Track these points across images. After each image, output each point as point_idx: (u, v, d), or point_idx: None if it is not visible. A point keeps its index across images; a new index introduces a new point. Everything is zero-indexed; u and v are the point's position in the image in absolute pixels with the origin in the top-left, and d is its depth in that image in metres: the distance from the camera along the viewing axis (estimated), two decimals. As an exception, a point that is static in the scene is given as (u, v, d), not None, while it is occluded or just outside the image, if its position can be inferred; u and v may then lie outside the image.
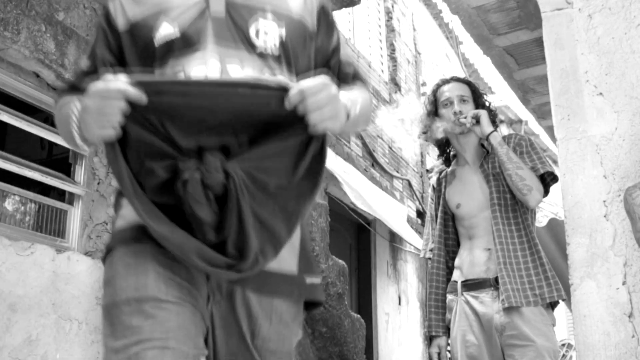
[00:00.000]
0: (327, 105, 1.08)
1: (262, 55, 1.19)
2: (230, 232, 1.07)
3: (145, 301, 1.03)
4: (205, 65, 1.16)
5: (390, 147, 7.42)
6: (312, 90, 1.07)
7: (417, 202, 7.93)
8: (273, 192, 1.11)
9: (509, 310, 2.22)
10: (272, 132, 1.11)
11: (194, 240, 1.07)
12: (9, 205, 3.37)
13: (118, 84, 1.04)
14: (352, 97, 1.22)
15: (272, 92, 1.09)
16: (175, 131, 1.07)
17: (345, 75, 1.34)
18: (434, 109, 2.51)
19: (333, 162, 5.40)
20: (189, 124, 1.08)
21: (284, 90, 1.09)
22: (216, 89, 1.09)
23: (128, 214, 1.15)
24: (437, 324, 2.47)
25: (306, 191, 1.13)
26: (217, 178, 1.06)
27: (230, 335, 1.15)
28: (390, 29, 7.94)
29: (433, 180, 2.66)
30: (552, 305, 2.32)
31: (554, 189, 2.43)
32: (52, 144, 4.07)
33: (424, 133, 2.55)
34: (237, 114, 1.09)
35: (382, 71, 7.64)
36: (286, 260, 1.18)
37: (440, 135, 2.48)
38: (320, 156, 1.13)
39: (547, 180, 2.37)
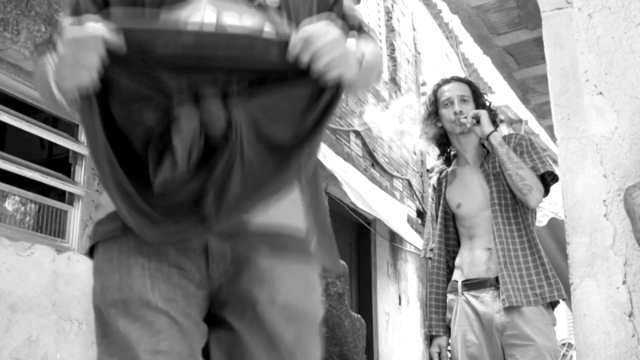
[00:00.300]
0: (333, 50, 0.99)
1: (261, 7, 1.11)
2: (214, 186, 0.96)
3: (131, 302, 0.97)
4: (200, 17, 1.06)
5: (390, 147, 7.42)
6: (314, 36, 0.98)
7: (417, 202, 7.93)
8: (274, 146, 1.00)
9: (509, 309, 2.22)
10: (277, 85, 1.00)
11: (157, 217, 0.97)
12: (9, 205, 3.37)
13: (96, 29, 0.92)
14: (360, 46, 1.12)
15: (272, 43, 1.00)
16: (166, 75, 0.95)
17: (350, 28, 1.21)
18: (435, 109, 2.51)
19: (333, 162, 5.40)
20: (182, 69, 0.96)
21: (284, 40, 0.99)
22: (212, 39, 0.97)
23: (107, 202, 1.05)
24: (437, 323, 2.47)
25: (307, 145, 1.02)
26: (218, 117, 0.95)
27: (243, 306, 1.04)
28: (390, 29, 7.94)
29: (433, 180, 2.66)
30: (553, 305, 2.32)
31: (554, 188, 2.43)
32: (52, 145, 4.07)
33: (425, 133, 2.55)
34: (236, 65, 0.98)
35: (382, 71, 7.63)
36: (290, 215, 1.08)
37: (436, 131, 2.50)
38: (329, 110, 1.02)
39: (548, 180, 2.37)
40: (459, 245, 2.50)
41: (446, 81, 2.55)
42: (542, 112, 5.13)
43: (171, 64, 0.95)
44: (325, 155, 5.24)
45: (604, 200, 2.25)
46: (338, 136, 6.08)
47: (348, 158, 6.12)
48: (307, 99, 1.01)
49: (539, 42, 3.78)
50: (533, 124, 9.22)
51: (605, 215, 2.24)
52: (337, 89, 1.02)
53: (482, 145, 2.49)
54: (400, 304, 7.17)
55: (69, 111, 1.03)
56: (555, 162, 6.59)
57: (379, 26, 7.87)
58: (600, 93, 2.33)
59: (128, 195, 0.96)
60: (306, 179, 1.14)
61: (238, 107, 0.96)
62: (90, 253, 1.09)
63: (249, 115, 0.97)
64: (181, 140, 0.93)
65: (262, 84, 1.00)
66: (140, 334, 0.94)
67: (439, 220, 2.54)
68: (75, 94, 0.96)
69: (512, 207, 2.35)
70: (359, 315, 4.94)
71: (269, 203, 1.02)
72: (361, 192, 5.63)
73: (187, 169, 0.95)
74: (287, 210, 1.08)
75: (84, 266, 3.12)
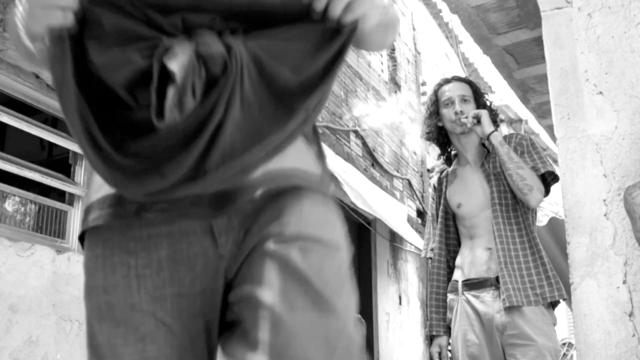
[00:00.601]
0: None
1: None
2: (209, 129, 0.82)
3: (115, 305, 0.90)
4: None
5: (390, 147, 7.42)
6: None
7: (418, 202, 7.94)
8: (279, 91, 0.87)
9: (510, 309, 2.23)
10: (282, 25, 0.89)
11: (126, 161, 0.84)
12: (9, 206, 3.37)
13: None
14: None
15: None
16: (157, 15, 0.84)
17: None
18: (436, 109, 2.52)
19: (333, 162, 5.40)
20: (175, 9, 0.85)
21: None
22: None
23: (93, 187, 0.97)
24: (438, 323, 2.47)
25: (316, 93, 0.89)
26: (217, 50, 0.82)
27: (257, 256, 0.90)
28: (390, 29, 7.93)
29: (434, 179, 2.66)
30: (553, 305, 2.32)
31: (554, 188, 2.44)
32: (52, 145, 4.08)
33: (427, 133, 2.56)
34: (236, 6, 0.87)
35: (382, 71, 7.64)
36: (299, 160, 0.95)
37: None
38: (341, 55, 0.91)
39: (548, 179, 2.37)
40: (459, 245, 2.50)
41: (447, 81, 2.55)
42: (542, 112, 5.13)
43: (163, 4, 0.85)
44: (325, 155, 5.24)
45: (604, 200, 2.25)
46: (338, 136, 6.08)
47: (348, 158, 6.12)
48: (317, 41, 0.90)
49: (538, 41, 3.78)
50: (533, 123, 9.23)
51: (605, 215, 2.24)
52: (351, 32, 0.91)
53: (483, 145, 2.49)
54: (400, 303, 7.18)
55: (38, 59, 0.92)
56: (555, 161, 6.60)
57: (379, 26, 7.87)
58: (600, 92, 2.33)
59: (102, 149, 0.83)
60: (311, 133, 1.02)
61: (238, 42, 0.84)
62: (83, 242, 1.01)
63: (251, 52, 0.84)
64: (179, 65, 0.80)
65: (265, 25, 0.88)
66: (125, 339, 0.89)
67: (439, 220, 2.55)
68: (46, 37, 0.85)
69: (513, 207, 2.35)
70: (359, 315, 4.94)
71: (271, 158, 0.88)
72: (361, 192, 5.63)
73: (194, 100, 0.82)
74: (294, 156, 0.94)
75: (84, 266, 3.12)
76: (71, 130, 0.85)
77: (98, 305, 0.92)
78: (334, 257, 0.91)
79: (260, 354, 0.81)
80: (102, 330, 0.91)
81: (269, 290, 0.85)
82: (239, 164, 0.85)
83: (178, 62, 0.80)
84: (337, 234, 0.94)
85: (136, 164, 0.84)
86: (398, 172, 7.49)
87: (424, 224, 7.42)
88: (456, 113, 2.42)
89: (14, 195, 3.24)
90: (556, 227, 4.65)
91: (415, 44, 8.67)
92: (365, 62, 7.01)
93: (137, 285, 0.90)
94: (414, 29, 8.66)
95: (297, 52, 0.88)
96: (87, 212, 0.97)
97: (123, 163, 0.84)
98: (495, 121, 2.45)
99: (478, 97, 2.51)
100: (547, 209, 5.65)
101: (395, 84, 7.85)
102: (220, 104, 0.81)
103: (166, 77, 0.81)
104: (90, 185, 1.00)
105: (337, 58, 0.90)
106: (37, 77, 3.25)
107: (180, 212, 0.89)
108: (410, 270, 7.63)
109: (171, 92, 0.80)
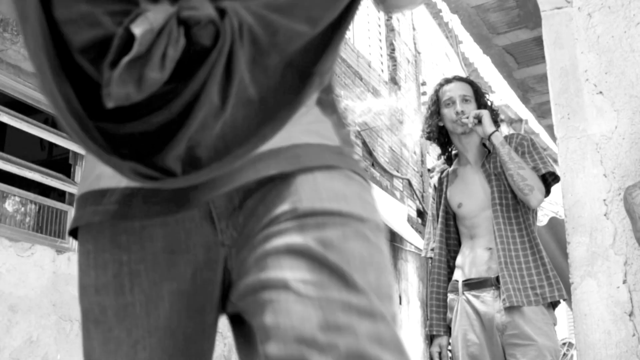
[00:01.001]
0: None
1: None
2: (197, 118, 0.66)
3: (108, 307, 0.83)
4: None
5: (390, 147, 7.42)
6: None
7: (418, 202, 7.94)
8: (290, 51, 0.71)
9: (510, 309, 2.23)
10: None
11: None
12: (10, 206, 3.37)
13: None
14: None
15: None
16: None
17: None
18: (437, 109, 2.52)
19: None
20: None
21: None
22: None
23: (85, 177, 0.88)
24: (438, 323, 2.47)
25: (332, 50, 0.73)
26: (205, 12, 0.65)
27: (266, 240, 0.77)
28: (390, 29, 7.94)
29: (434, 179, 2.66)
30: (554, 305, 2.32)
31: (554, 188, 2.44)
32: (52, 145, 4.08)
33: (428, 132, 2.56)
34: None
35: (382, 70, 7.65)
36: (312, 131, 0.81)
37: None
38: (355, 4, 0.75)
39: (549, 180, 2.37)
40: (459, 244, 2.50)
41: (448, 81, 2.55)
42: (542, 112, 5.13)
43: None
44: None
45: (604, 200, 2.25)
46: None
47: (348, 158, 6.12)
48: None
49: (538, 41, 3.79)
50: (533, 123, 9.23)
51: (605, 215, 2.24)
52: None
53: (484, 145, 2.49)
54: (400, 303, 7.18)
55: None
56: (555, 161, 6.60)
57: (379, 26, 7.88)
58: (600, 92, 2.33)
59: (77, 109, 0.69)
60: (329, 99, 0.88)
61: (236, 4, 0.67)
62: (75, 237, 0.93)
63: (255, 13, 0.68)
64: (143, 28, 0.63)
65: None
66: (118, 344, 0.84)
67: (439, 219, 2.55)
68: None
69: (513, 207, 2.36)
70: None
71: (276, 132, 0.72)
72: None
73: (160, 75, 0.65)
74: (306, 129, 0.81)
75: (84, 266, 3.13)
76: (40, 85, 0.70)
77: (91, 307, 0.85)
78: (357, 230, 0.76)
79: (274, 342, 0.71)
80: (96, 333, 0.85)
81: (281, 276, 0.72)
82: (241, 152, 0.71)
83: (143, 25, 0.64)
84: (361, 206, 0.78)
85: (121, 148, 0.69)
86: (398, 172, 7.49)
87: (424, 224, 7.43)
88: (457, 113, 2.42)
89: (14, 195, 3.25)
90: (556, 227, 4.65)
91: (415, 43, 8.68)
92: (365, 62, 7.01)
93: (130, 284, 0.82)
94: (414, 29, 8.66)
95: (309, 3, 0.71)
96: (79, 205, 0.88)
97: (100, 142, 0.69)
98: (496, 121, 2.46)
99: (479, 97, 2.51)
100: (547, 208, 5.65)
101: (395, 83, 7.85)
102: (211, 83, 0.66)
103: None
104: (83, 176, 0.90)
105: (352, 8, 0.75)
106: (37, 77, 3.26)
107: (175, 201, 0.78)
108: (410, 270, 7.63)
109: (123, 62, 0.63)
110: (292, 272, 0.72)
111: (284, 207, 0.75)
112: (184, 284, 0.82)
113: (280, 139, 0.76)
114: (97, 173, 0.85)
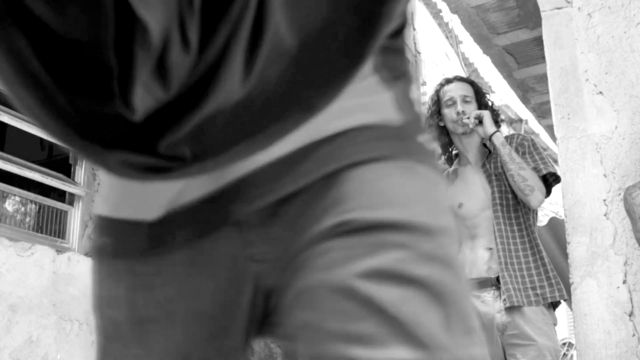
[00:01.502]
0: None
1: None
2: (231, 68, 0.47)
3: (120, 322, 0.73)
4: None
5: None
6: None
7: (418, 202, 7.93)
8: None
9: (510, 309, 2.23)
10: None
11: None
12: (9, 206, 3.37)
13: None
14: None
15: None
16: None
17: None
18: (437, 109, 2.52)
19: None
20: None
21: None
22: None
23: (101, 200, 0.76)
24: (438, 323, 2.47)
25: None
26: None
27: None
28: (390, 29, 7.94)
29: (434, 179, 2.66)
30: (554, 305, 2.32)
31: (554, 188, 2.44)
32: (52, 145, 4.08)
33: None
34: None
35: None
36: (368, 107, 0.62)
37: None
38: None
39: (550, 180, 2.37)
40: (459, 245, 2.51)
41: (449, 81, 2.55)
42: (542, 112, 5.14)
43: None
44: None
45: (604, 200, 2.25)
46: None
47: (348, 158, 6.12)
48: None
49: (538, 41, 3.79)
50: (533, 123, 9.23)
51: (605, 215, 2.24)
52: None
53: (484, 145, 2.49)
54: (400, 303, 7.17)
55: None
56: (555, 161, 6.60)
57: (379, 26, 7.87)
58: (600, 92, 2.33)
59: (45, 86, 0.51)
60: (397, 69, 0.67)
61: None
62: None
63: None
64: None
65: None
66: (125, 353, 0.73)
67: (439, 220, 2.55)
68: None
69: (514, 207, 2.36)
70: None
71: (328, 100, 0.52)
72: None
73: (187, 55, 0.46)
74: (357, 102, 0.61)
75: (84, 266, 3.13)
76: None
77: (102, 318, 0.75)
78: (421, 254, 0.56)
79: None
80: (109, 346, 0.75)
81: (336, 322, 0.55)
82: (276, 130, 0.52)
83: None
84: (427, 211, 0.60)
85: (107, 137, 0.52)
86: (398, 172, 7.49)
87: (424, 224, 7.40)
88: (458, 113, 2.42)
89: (14, 195, 3.25)
90: (556, 227, 4.64)
91: (415, 44, 8.68)
92: (365, 62, 7.01)
93: (144, 299, 0.70)
94: (414, 29, 8.67)
95: None
96: (102, 232, 0.75)
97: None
98: (497, 122, 2.46)
99: (480, 97, 2.51)
100: (547, 208, 5.65)
101: (395, 83, 7.85)
102: (238, 37, 0.46)
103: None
104: (102, 192, 0.77)
105: None
106: (37, 77, 3.25)
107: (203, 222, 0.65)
108: (410, 270, 7.63)
109: (141, 57, 0.45)
110: (347, 321, 0.55)
111: (328, 221, 0.59)
112: (203, 304, 0.69)
113: (325, 123, 0.58)
114: (121, 192, 0.70)
